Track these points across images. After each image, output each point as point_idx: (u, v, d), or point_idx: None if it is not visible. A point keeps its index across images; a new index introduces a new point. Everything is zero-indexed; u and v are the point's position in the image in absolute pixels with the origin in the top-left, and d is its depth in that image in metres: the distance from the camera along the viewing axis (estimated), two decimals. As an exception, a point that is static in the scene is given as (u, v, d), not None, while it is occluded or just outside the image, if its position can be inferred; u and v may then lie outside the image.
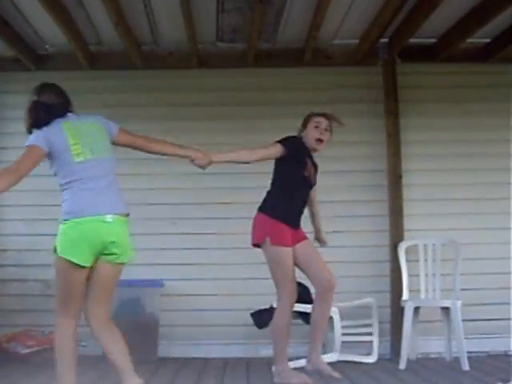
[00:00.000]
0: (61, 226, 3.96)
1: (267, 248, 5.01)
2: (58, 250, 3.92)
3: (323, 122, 5.26)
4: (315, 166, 5.29)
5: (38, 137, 3.97)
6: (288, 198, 5.08)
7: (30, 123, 4.05)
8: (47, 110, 4.06)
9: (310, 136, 5.23)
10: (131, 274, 6.51)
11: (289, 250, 4.99)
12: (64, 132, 4.01)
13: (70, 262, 3.89)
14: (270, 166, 5.20)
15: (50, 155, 4.00)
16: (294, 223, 5.10)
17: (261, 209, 5.10)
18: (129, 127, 6.78)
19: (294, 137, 5.27)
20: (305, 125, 5.32)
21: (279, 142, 5.12)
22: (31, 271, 6.79)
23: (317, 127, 5.24)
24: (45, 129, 3.99)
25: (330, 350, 6.02)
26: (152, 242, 6.71)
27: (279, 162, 5.16)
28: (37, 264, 6.76)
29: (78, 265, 3.90)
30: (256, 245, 5.12)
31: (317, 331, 5.11)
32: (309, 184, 5.23)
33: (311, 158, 5.26)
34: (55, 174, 4.05)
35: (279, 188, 5.13)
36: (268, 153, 5.10)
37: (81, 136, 4.04)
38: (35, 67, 6.90)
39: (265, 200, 5.15)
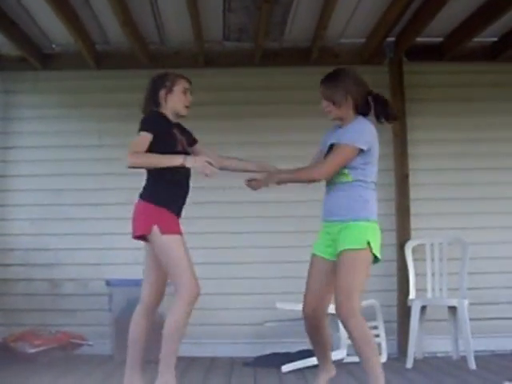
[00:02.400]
0: (372, 224, 4.21)
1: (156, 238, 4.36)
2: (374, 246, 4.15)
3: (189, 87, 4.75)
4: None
5: None
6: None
7: None
8: None
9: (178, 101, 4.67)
10: (138, 274, 6.57)
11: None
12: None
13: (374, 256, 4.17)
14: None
15: None
16: (179, 210, 4.52)
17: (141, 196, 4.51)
18: (135, 126, 6.86)
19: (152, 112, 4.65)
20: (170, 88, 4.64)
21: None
22: (38, 271, 6.80)
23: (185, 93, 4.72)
24: None
25: (336, 348, 6.01)
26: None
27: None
28: (43, 263, 6.80)
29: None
30: (139, 236, 4.40)
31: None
32: None
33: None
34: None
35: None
36: None
37: None
38: (42, 66, 6.91)
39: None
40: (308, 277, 4.32)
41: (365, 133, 4.20)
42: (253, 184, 4.44)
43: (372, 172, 4.25)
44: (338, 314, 4.04)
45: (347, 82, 4.31)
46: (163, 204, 4.38)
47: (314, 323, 4.28)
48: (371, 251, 4.11)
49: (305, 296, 4.30)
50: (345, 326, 4.05)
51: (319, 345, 4.35)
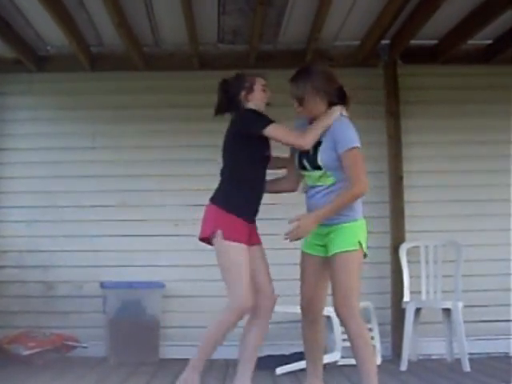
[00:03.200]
0: (360, 223, 4.13)
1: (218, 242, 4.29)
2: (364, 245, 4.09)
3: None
4: None
5: None
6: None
7: None
8: None
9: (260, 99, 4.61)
10: (132, 276, 6.57)
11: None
12: None
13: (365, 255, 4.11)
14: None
15: None
16: (251, 215, 4.41)
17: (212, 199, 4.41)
18: (130, 128, 6.92)
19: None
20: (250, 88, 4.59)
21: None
22: (32, 272, 6.79)
23: (264, 90, 4.64)
24: None
25: (331, 350, 6.00)
26: (153, 244, 6.72)
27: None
28: (38, 265, 6.78)
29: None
30: (203, 239, 4.41)
31: (253, 352, 4.53)
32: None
33: None
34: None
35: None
36: None
37: None
38: (36, 68, 6.89)
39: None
40: (301, 271, 4.29)
41: (353, 130, 4.07)
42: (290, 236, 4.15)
43: None
44: (338, 315, 4.03)
45: (316, 80, 4.15)
46: (234, 211, 4.27)
47: (311, 317, 4.24)
48: (362, 250, 4.07)
49: (300, 288, 4.27)
50: (345, 327, 4.03)
51: (313, 349, 4.30)
